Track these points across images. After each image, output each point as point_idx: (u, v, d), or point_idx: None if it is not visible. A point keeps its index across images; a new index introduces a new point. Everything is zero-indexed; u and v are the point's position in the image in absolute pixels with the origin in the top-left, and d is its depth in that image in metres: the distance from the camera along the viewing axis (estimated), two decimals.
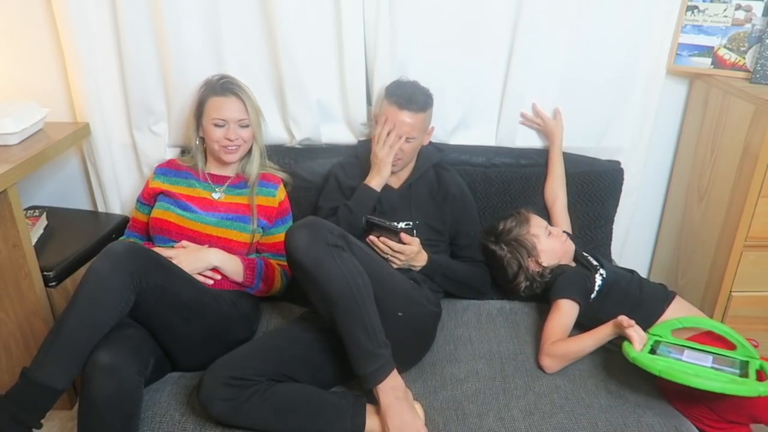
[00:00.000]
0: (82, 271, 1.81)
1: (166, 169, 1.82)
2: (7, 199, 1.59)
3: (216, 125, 1.70)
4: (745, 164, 1.78)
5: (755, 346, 1.49)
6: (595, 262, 1.74)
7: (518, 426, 1.38)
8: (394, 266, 1.64)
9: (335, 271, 1.36)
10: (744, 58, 1.92)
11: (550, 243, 1.75)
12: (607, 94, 1.98)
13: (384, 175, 1.71)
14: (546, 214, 1.91)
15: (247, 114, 1.73)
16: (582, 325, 1.61)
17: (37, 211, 1.96)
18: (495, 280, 1.84)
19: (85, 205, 2.20)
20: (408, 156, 1.75)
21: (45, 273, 1.73)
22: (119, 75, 1.93)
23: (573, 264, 1.78)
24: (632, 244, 2.26)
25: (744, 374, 1.38)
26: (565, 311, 1.60)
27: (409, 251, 1.62)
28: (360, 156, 1.85)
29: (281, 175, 1.86)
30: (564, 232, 1.83)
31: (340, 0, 1.78)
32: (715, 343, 1.53)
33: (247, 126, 1.74)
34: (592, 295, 1.65)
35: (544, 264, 1.74)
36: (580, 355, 1.53)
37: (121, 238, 1.82)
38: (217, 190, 1.78)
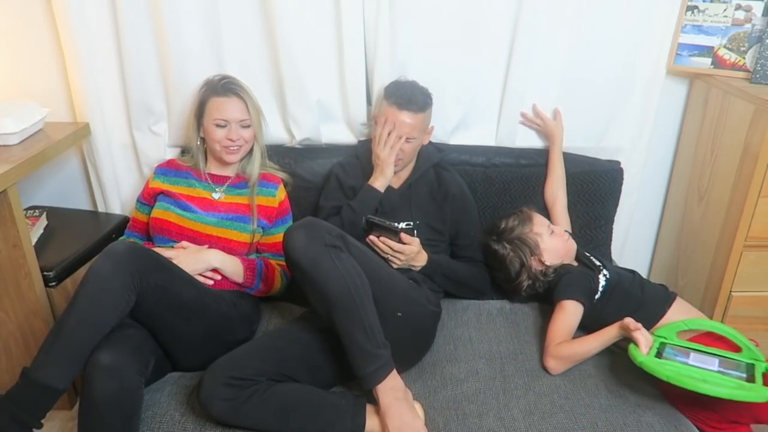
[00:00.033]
0: (82, 271, 1.81)
1: (166, 169, 1.82)
2: (7, 199, 1.59)
3: (218, 125, 1.70)
4: (745, 164, 1.78)
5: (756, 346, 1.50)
6: (597, 263, 1.74)
7: (518, 426, 1.38)
8: (394, 266, 1.64)
9: (333, 272, 1.36)
10: (744, 58, 1.92)
11: (552, 242, 1.75)
12: (607, 94, 1.98)
13: (387, 175, 1.71)
14: (546, 214, 1.90)
15: (249, 114, 1.73)
16: (585, 327, 1.60)
17: (37, 211, 1.96)
18: (495, 281, 1.84)
19: (85, 205, 2.20)
20: (408, 156, 1.75)
21: (45, 273, 1.73)
22: (119, 75, 1.93)
23: (575, 263, 1.77)
24: (632, 244, 2.27)
25: (750, 378, 1.37)
26: (570, 312, 1.59)
27: (409, 251, 1.62)
28: (360, 156, 1.85)
29: (281, 175, 1.86)
30: (565, 231, 1.83)
31: (340, 0, 1.78)
32: (717, 343, 1.53)
33: (249, 126, 1.74)
34: (596, 296, 1.64)
35: (547, 263, 1.73)
36: (585, 357, 1.53)
37: (121, 238, 1.81)
38: (217, 190, 1.78)
